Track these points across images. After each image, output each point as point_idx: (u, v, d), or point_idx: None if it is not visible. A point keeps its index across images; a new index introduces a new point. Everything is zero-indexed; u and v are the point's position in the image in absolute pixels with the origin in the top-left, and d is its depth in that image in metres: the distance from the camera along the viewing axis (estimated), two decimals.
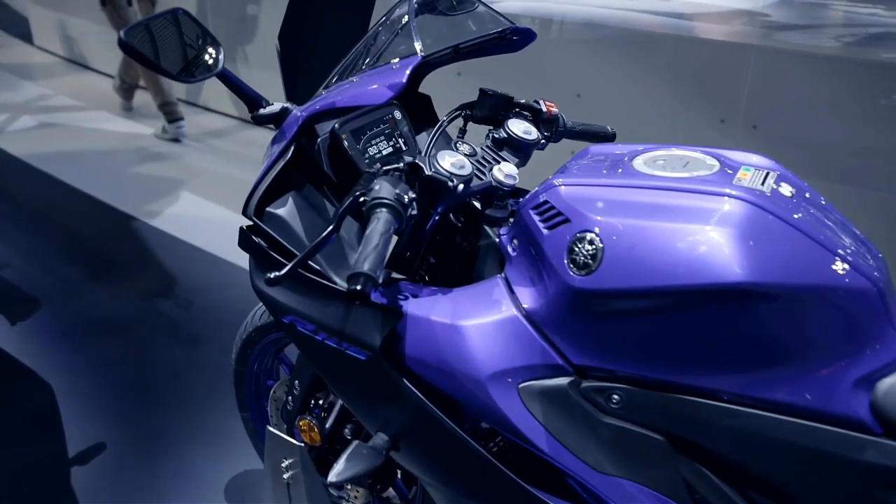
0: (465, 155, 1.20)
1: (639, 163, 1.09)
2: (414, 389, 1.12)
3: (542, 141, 1.32)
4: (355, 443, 1.18)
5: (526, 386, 1.07)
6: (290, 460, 1.54)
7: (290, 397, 1.56)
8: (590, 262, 0.98)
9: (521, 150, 1.29)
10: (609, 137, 1.50)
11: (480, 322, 1.09)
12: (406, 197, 1.01)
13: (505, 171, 1.18)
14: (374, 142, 1.31)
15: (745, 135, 3.18)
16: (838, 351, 0.95)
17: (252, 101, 1.23)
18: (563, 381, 1.05)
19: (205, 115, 5.18)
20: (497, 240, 1.21)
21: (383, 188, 1.01)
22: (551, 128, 1.37)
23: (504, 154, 1.28)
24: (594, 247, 0.98)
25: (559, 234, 1.03)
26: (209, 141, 4.73)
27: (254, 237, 1.25)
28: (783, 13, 3.38)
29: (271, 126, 1.28)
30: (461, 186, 1.11)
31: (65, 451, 2.14)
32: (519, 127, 1.28)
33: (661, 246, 0.95)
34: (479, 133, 1.31)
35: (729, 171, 1.03)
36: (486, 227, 1.23)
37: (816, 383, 0.96)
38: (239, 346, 1.75)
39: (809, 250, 0.95)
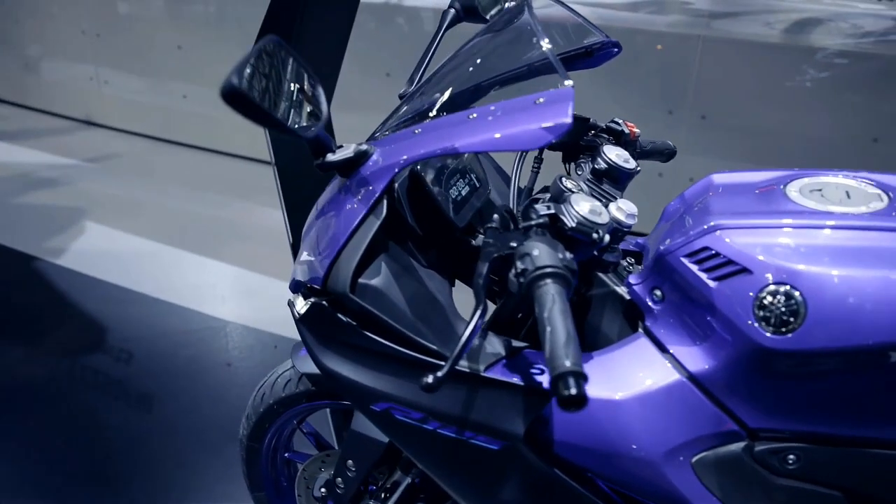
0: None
1: (795, 195, 0.96)
2: (567, 479, 0.95)
3: (639, 168, 1.17)
4: None
5: (699, 458, 0.94)
6: None
7: (339, 479, 1.34)
8: (790, 319, 0.85)
9: (619, 182, 1.13)
10: (672, 152, 1.37)
11: (643, 392, 0.93)
12: (568, 259, 0.83)
13: (625, 209, 1.03)
14: (451, 182, 1.11)
15: (694, 125, 3.19)
16: None
17: (319, 143, 0.97)
18: (737, 446, 0.94)
19: (92, 132, 4.64)
20: (617, 288, 1.06)
21: (543, 253, 0.82)
22: (633, 151, 1.23)
23: (606, 188, 1.12)
24: (793, 301, 0.85)
25: (736, 288, 0.89)
26: (104, 161, 4.23)
27: (337, 314, 1.02)
28: (716, 2, 3.42)
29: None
30: (607, 237, 0.94)
31: None
32: (618, 155, 1.13)
33: (875, 297, 0.83)
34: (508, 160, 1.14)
35: None
36: (600, 275, 1.07)
37: None
38: (254, 420, 1.49)
39: None
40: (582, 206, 0.93)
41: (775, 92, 3.05)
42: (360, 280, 0.97)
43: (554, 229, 0.91)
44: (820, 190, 0.97)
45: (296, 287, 1.16)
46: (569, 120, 0.81)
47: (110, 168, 4.17)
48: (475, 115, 0.91)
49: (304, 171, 1.86)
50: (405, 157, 0.94)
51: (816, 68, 2.98)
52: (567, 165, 1.22)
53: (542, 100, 0.85)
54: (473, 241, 1.13)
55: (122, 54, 4.45)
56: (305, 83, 0.89)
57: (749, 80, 3.08)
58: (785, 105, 3.06)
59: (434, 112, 1.02)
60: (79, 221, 3.49)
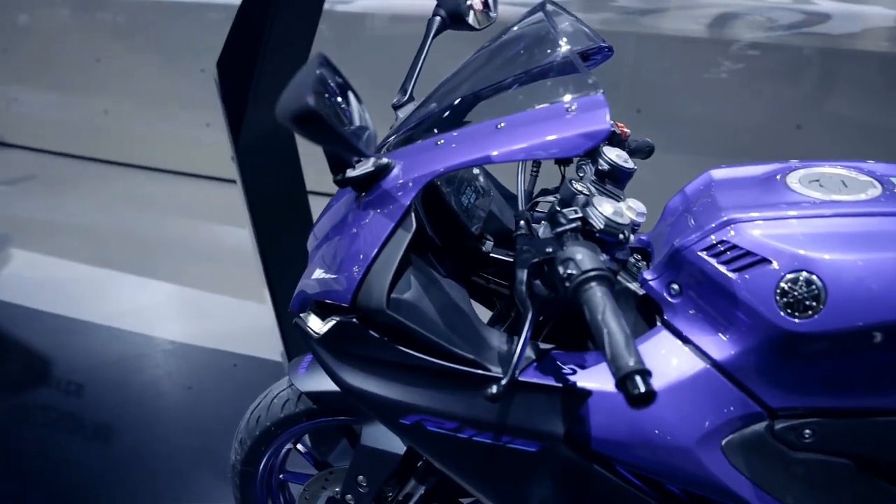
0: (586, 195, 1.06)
1: (797, 186, 1.02)
2: (605, 472, 0.97)
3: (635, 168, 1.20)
4: None
5: (728, 441, 0.99)
6: None
7: (349, 495, 1.32)
8: (812, 303, 0.90)
9: (620, 182, 1.16)
10: (652, 149, 1.42)
11: (671, 383, 0.97)
12: (608, 261, 0.85)
13: (635, 208, 1.06)
14: (461, 189, 1.12)
15: (630, 120, 3.29)
16: None
17: (342, 159, 0.95)
18: (760, 426, 0.99)
19: (4, 152, 4.37)
20: (629, 285, 1.09)
21: (585, 256, 0.84)
22: (623, 150, 1.26)
23: (609, 188, 1.15)
24: (814, 287, 0.90)
25: (757, 277, 0.93)
26: (20, 183, 3.99)
27: (368, 331, 1.00)
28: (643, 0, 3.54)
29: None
30: (632, 237, 0.97)
31: None
32: (618, 155, 1.16)
33: (888, 276, 0.89)
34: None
35: None
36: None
37: None
38: (248, 444, 1.45)
39: None
40: (606, 208, 0.95)
41: (703, 84, 3.20)
42: (393, 295, 0.96)
43: (583, 232, 0.93)
44: (818, 180, 1.03)
45: (302, 306, 1.14)
46: (607, 126, 0.83)
47: (28, 190, 3.94)
48: (503, 124, 0.91)
49: (272, 191, 1.83)
50: (435, 168, 0.94)
51: (740, 60, 3.14)
52: (562, 168, 1.24)
53: (574, 107, 0.87)
54: (483, 248, 1.14)
55: (33, 70, 4.21)
56: (350, 98, 0.87)
57: (679, 74, 3.22)
58: (713, 97, 3.21)
59: (452, 121, 1.02)
60: (2, 249, 3.28)
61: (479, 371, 0.97)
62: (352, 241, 1.00)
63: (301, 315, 1.14)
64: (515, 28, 1.12)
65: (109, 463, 2.09)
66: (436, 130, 1.01)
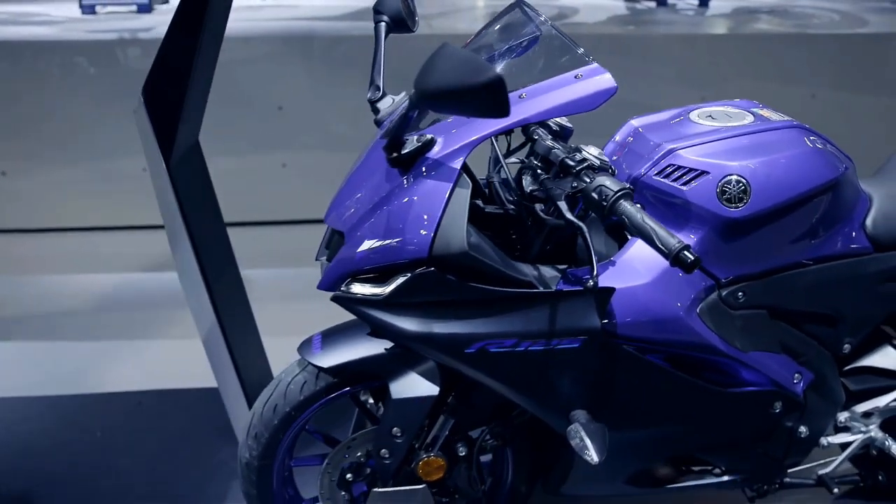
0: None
1: (700, 121, 1.41)
2: (633, 351, 1.29)
3: None
4: (576, 427, 1.28)
5: (700, 309, 1.35)
6: None
7: (384, 450, 1.48)
8: (743, 195, 1.29)
9: (565, 139, 1.47)
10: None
11: (657, 275, 1.31)
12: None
13: (593, 151, 1.37)
14: None
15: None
16: (850, 207, 1.46)
17: (397, 140, 1.14)
18: (714, 295, 1.37)
19: None
20: None
21: (611, 182, 1.14)
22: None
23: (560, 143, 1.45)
24: (741, 184, 1.29)
25: (702, 185, 1.31)
26: None
27: (446, 276, 1.20)
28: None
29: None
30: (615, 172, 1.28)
31: None
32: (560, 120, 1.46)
33: (784, 166, 1.32)
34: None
35: (762, 114, 1.44)
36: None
37: (840, 234, 1.46)
38: (266, 436, 1.53)
39: (834, 149, 1.43)
40: (592, 150, 1.25)
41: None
42: (470, 239, 1.18)
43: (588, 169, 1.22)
44: (711, 115, 1.43)
45: (336, 283, 1.30)
46: (615, 85, 1.14)
47: None
48: (525, 94, 1.18)
49: (202, 200, 1.88)
50: (477, 135, 1.18)
51: None
52: (534, 133, 1.47)
53: (580, 75, 1.16)
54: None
55: None
56: None
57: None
58: None
59: None
60: None
61: (532, 290, 1.23)
62: (409, 207, 1.19)
63: (342, 289, 1.30)
64: (496, 25, 1.39)
65: None
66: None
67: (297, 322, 2.03)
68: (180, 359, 2.59)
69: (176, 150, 1.73)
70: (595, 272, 1.15)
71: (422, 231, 1.18)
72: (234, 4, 1.81)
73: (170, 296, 2.99)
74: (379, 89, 1.45)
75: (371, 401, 1.63)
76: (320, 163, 3.47)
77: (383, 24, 1.50)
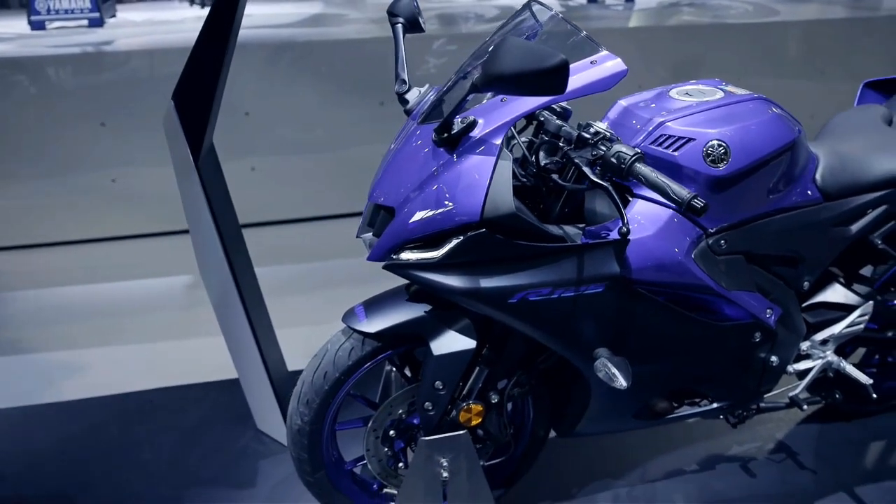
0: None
1: (681, 98, 1.66)
2: (646, 293, 1.52)
3: None
4: (602, 360, 1.51)
5: (694, 254, 1.60)
6: (451, 455, 1.68)
7: (428, 402, 1.66)
8: (724, 156, 1.55)
9: (566, 119, 1.69)
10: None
11: (660, 226, 1.55)
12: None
13: (602, 126, 1.57)
14: None
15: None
16: (804, 164, 1.75)
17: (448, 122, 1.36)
18: (703, 242, 1.62)
19: None
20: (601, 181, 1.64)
21: (626, 148, 1.37)
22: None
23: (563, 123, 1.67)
24: (722, 147, 1.55)
25: (690, 150, 1.55)
26: None
27: (496, 235, 1.40)
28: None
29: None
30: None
31: None
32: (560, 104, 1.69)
33: (756, 131, 1.59)
34: None
35: (729, 90, 1.70)
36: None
37: (797, 187, 1.74)
38: (317, 402, 1.68)
39: (788, 115, 1.71)
40: (600, 125, 1.48)
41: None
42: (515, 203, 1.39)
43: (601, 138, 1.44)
44: (688, 93, 1.69)
45: (388, 252, 1.48)
46: (626, 68, 1.37)
47: None
48: None
49: (225, 195, 2.01)
50: (515, 114, 1.39)
51: None
52: (541, 117, 1.67)
53: (595, 60, 1.39)
54: None
55: None
56: None
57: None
58: None
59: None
60: None
61: (564, 244, 1.45)
62: (458, 179, 1.39)
63: (394, 257, 1.48)
64: (510, 25, 1.60)
65: None
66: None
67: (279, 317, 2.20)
68: (179, 358, 2.69)
69: (203, 153, 1.86)
70: (626, 220, 1.38)
71: (472, 198, 1.39)
72: (184, 16, 1.95)
73: (145, 301, 3.07)
74: (405, 83, 1.64)
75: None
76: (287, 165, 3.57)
77: (399, 25, 1.69)
